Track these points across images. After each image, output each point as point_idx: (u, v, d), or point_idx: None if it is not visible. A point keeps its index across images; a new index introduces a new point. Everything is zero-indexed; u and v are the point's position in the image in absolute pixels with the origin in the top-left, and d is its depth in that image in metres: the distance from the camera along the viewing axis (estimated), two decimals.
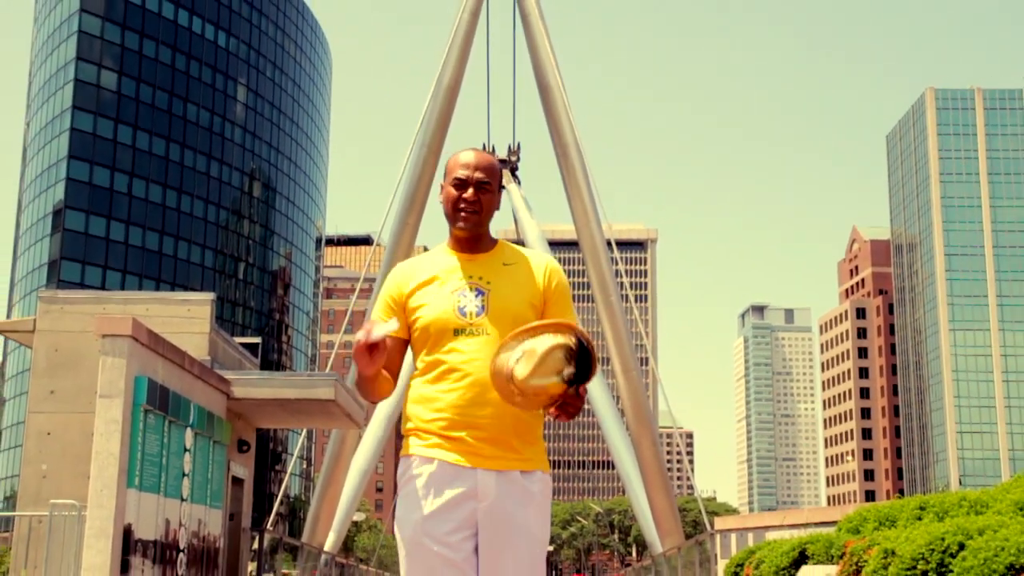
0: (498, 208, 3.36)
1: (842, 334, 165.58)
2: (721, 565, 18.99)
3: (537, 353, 2.91)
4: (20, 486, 20.34)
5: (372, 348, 3.04)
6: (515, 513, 3.12)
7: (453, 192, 3.28)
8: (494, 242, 3.36)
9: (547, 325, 3.00)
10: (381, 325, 3.04)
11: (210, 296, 21.25)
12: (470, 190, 3.26)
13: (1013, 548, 6.41)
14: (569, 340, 2.94)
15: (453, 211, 3.28)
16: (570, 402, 2.97)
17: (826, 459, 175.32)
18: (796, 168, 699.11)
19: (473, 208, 3.25)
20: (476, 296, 3.20)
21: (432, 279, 3.25)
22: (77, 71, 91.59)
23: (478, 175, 3.26)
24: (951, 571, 6.94)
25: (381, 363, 3.10)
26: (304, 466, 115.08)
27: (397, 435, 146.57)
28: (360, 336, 3.02)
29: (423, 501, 3.09)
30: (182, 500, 14.49)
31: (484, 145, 71.24)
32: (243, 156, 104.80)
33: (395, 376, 3.26)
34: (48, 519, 13.09)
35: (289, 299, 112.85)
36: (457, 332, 3.17)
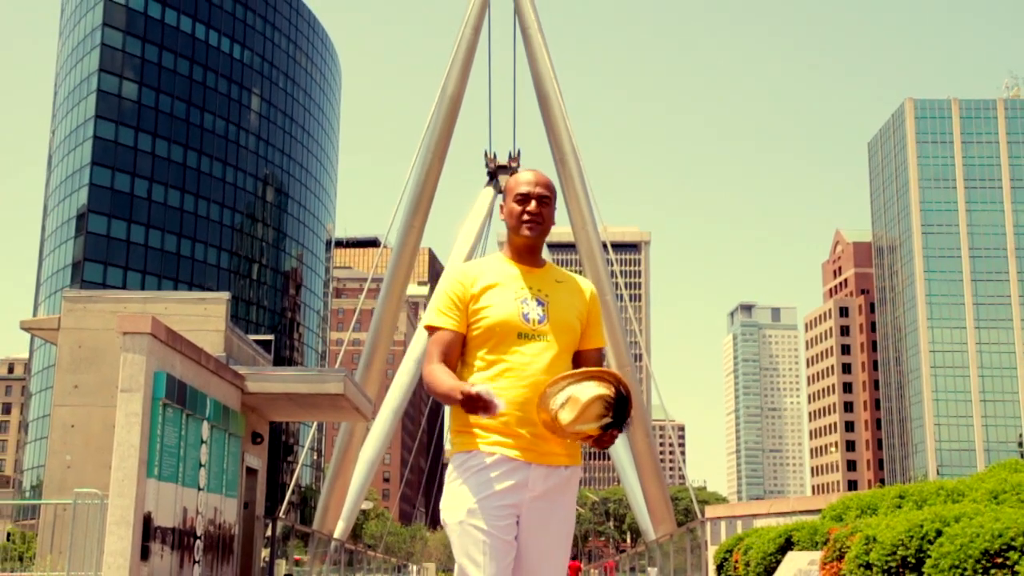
0: (554, 223, 3.53)
1: (826, 332, 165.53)
2: (711, 551, 18.97)
3: (580, 402, 3.09)
4: (46, 476, 20.35)
5: (488, 408, 3.13)
6: (557, 504, 3.30)
7: (516, 207, 3.44)
8: (544, 260, 3.53)
9: (592, 373, 3.17)
10: (497, 403, 3.11)
11: (225, 296, 21.26)
12: (533, 203, 3.42)
13: (987, 535, 6.42)
14: (609, 391, 3.13)
15: (518, 223, 3.44)
16: (605, 439, 3.16)
17: (811, 450, 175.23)
18: (782, 174, 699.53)
19: (536, 219, 3.41)
20: (538, 305, 3.36)
21: (496, 283, 3.39)
22: (100, 82, 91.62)
23: (539, 190, 3.43)
24: (929, 556, 6.94)
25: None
26: (315, 457, 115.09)
27: (403, 428, 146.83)
28: (481, 396, 3.09)
29: (481, 489, 3.21)
30: (199, 489, 14.50)
31: (486, 152, 71.36)
32: (257, 162, 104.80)
33: (453, 369, 3.37)
34: (72, 507, 13.11)
35: (300, 298, 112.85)
36: (521, 336, 3.31)
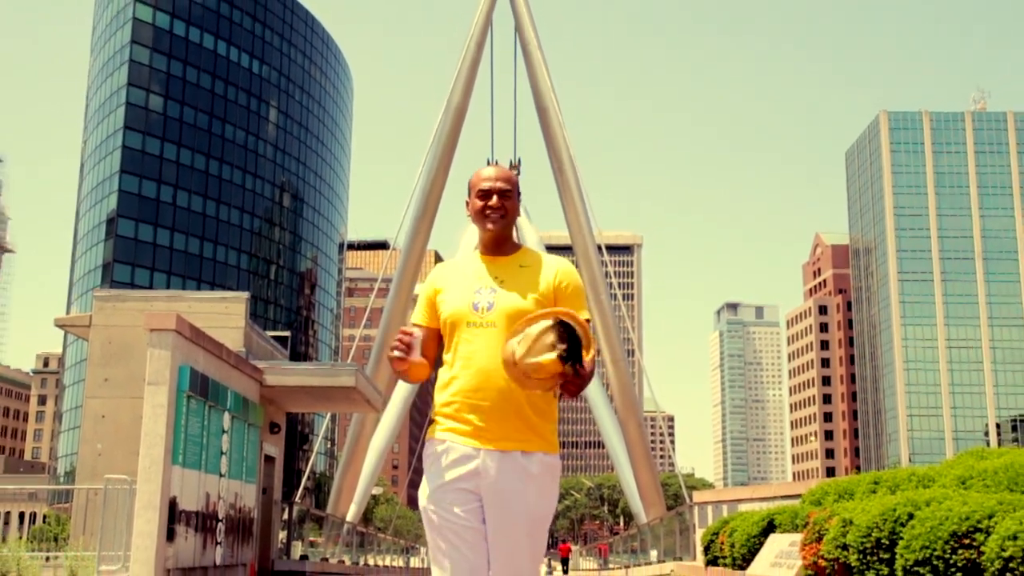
0: (518, 214, 3.39)
1: (806, 328, 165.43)
2: (699, 533, 18.92)
3: (531, 336, 2.91)
4: (78, 463, 20.37)
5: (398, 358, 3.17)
6: (514, 490, 3.09)
7: (479, 202, 3.32)
8: (516, 247, 3.38)
9: (544, 313, 2.99)
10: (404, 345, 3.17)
11: (245, 295, 21.25)
12: (494, 198, 3.30)
13: (955, 518, 6.43)
14: (555, 319, 2.95)
15: (482, 218, 3.32)
16: (571, 380, 2.93)
17: (792, 439, 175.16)
18: (766, 181, 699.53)
19: (498, 212, 3.29)
20: (490, 293, 3.22)
21: (459, 279, 3.30)
22: (128, 95, 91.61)
23: (499, 184, 3.31)
24: (902, 538, 6.95)
25: (404, 365, 3.18)
26: (328, 446, 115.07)
27: (411, 419, 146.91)
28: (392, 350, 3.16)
29: (437, 477, 3.12)
30: (220, 476, 14.50)
31: (489, 160, 71.27)
32: (274, 170, 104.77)
33: (431, 362, 3.29)
34: (103, 492, 13.10)
35: (315, 297, 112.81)
36: (469, 325, 3.19)
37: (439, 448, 3.14)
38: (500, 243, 3.34)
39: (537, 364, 2.89)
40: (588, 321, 3.20)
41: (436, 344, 3.31)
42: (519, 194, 3.37)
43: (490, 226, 3.30)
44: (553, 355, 2.87)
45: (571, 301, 3.24)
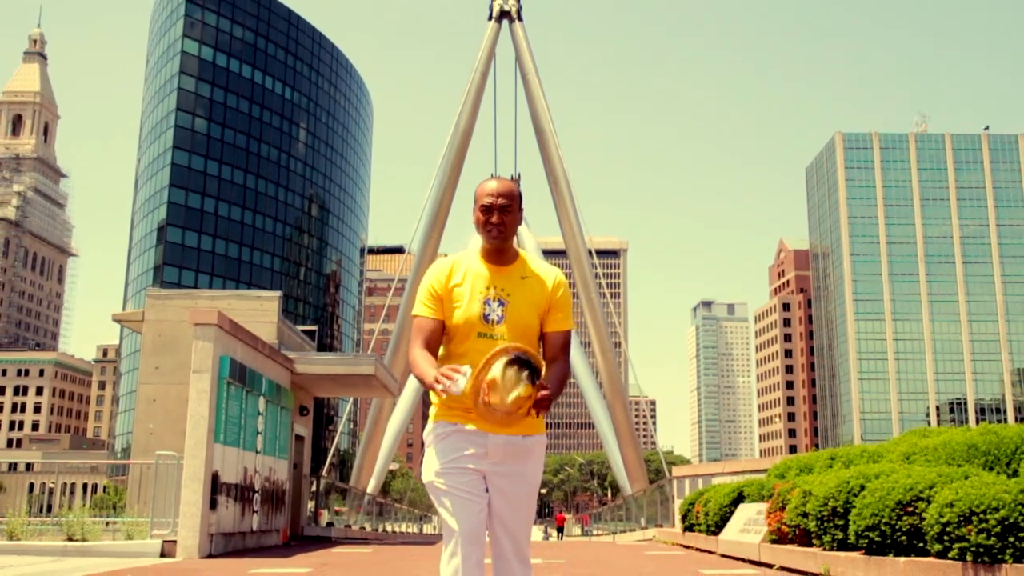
0: (520, 223, 3.24)
1: (772, 323, 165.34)
2: (677, 503, 18.91)
3: (497, 381, 2.85)
4: (133, 440, 20.38)
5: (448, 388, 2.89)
6: (516, 467, 3.08)
7: (481, 216, 3.17)
8: (516, 255, 3.25)
9: (494, 354, 2.89)
10: (456, 379, 2.82)
11: (277, 294, 21.24)
12: (495, 214, 3.15)
13: (901, 488, 6.45)
14: (508, 355, 2.87)
15: (484, 231, 3.18)
16: (541, 401, 2.88)
17: (759, 420, 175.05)
18: (737, 193, 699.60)
19: (499, 228, 3.15)
20: (499, 306, 3.11)
21: (463, 282, 3.15)
22: (177, 119, 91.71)
23: (500, 200, 3.15)
24: (854, 506, 6.97)
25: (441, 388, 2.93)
26: (351, 426, 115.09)
27: (424, 403, 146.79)
28: (444, 381, 2.85)
29: (446, 453, 3.04)
30: (256, 452, 14.51)
31: (492, 174, 71.09)
32: (303, 184, 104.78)
33: (435, 352, 3.15)
34: (155, 466, 13.12)
35: (339, 296, 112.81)
36: (480, 335, 3.08)
37: (449, 429, 3.06)
38: (501, 252, 3.22)
39: (516, 398, 2.85)
40: (570, 331, 3.15)
41: (441, 337, 3.18)
42: (520, 206, 3.23)
43: (491, 240, 3.18)
44: (524, 385, 2.84)
45: (559, 312, 3.18)
